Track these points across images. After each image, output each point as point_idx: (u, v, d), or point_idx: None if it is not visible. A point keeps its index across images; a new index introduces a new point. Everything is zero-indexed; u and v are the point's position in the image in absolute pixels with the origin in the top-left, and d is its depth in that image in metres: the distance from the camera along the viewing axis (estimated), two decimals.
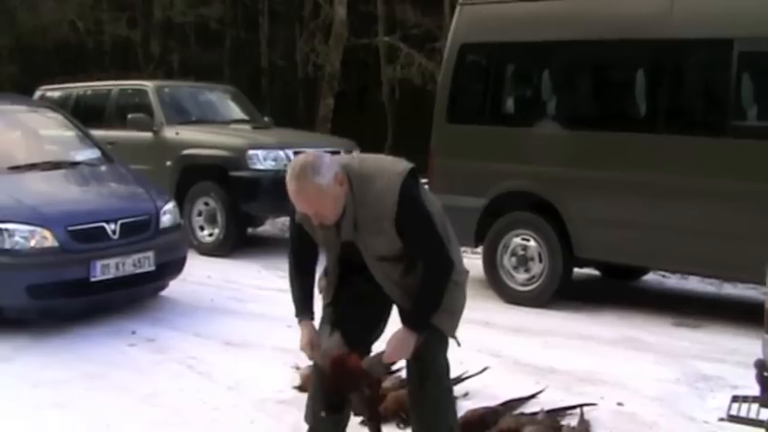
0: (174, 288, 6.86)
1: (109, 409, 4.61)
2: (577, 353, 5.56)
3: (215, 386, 4.98)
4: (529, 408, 4.58)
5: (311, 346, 3.50)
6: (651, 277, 7.82)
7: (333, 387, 3.44)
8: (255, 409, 4.56)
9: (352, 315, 3.50)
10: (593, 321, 6.35)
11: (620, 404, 4.66)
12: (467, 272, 3.55)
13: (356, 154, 3.55)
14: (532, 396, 4.71)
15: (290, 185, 3.22)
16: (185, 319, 6.34)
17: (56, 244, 5.77)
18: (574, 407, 4.51)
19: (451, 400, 3.61)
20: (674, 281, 7.78)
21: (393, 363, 3.60)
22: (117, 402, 4.72)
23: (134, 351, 5.61)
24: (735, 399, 4.33)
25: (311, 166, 3.19)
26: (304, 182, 3.18)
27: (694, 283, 7.69)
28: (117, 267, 5.98)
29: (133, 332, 5.95)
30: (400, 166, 3.33)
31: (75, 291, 5.87)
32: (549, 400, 4.65)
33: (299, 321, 3.56)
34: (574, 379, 5.06)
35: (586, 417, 4.39)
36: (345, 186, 3.24)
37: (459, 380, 4.60)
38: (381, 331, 3.59)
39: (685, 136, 6.21)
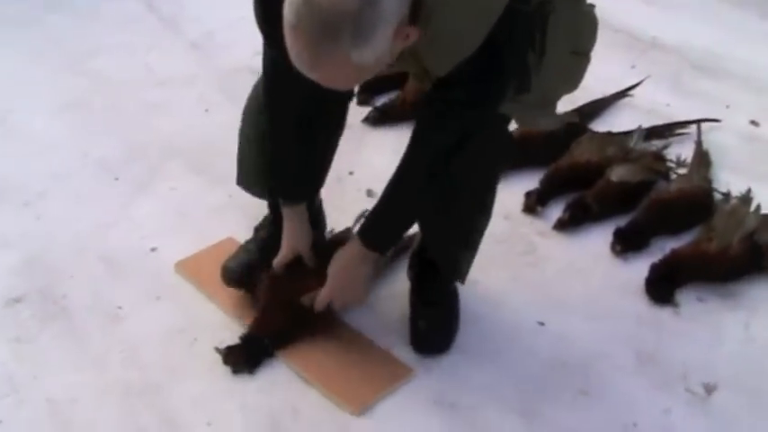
0: None
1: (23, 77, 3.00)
2: (691, 13, 3.63)
3: (175, 40, 3.29)
4: (618, 114, 2.86)
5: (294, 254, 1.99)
6: None
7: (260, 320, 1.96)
8: (218, 88, 2.93)
9: None
10: None
11: (754, 123, 2.89)
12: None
13: None
14: (625, 92, 2.94)
15: (298, 48, 1.38)
16: None
17: None
18: (686, 124, 2.75)
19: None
20: None
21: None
22: (36, 69, 3.10)
23: None
24: None
25: (353, 22, 1.33)
26: (330, 50, 1.36)
27: None
28: None
29: None
30: None
31: None
32: (649, 102, 2.92)
33: (287, 206, 1.94)
34: (687, 65, 3.24)
35: (704, 144, 2.64)
36: (414, 34, 1.43)
37: None
38: None
39: None
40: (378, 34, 1.35)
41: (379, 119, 2.76)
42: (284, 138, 1.83)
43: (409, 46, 1.47)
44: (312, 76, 1.41)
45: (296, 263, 1.97)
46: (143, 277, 2.16)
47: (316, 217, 2.05)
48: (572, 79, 1.79)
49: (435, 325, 1.98)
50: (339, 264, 1.83)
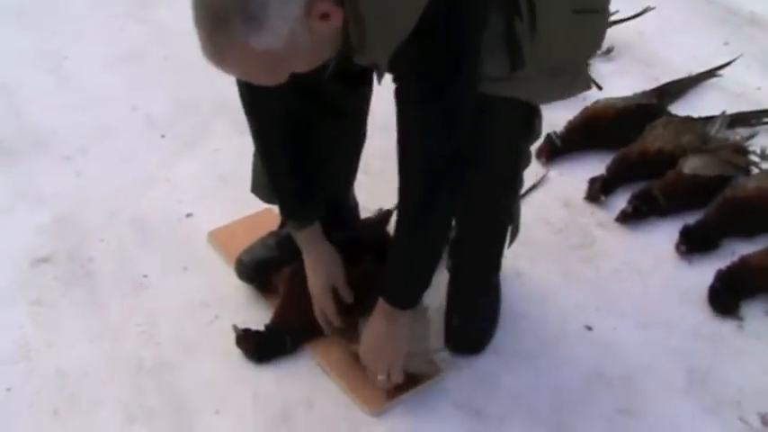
0: None
1: (85, 22, 2.90)
2: None
3: None
4: (703, 95, 2.61)
5: (328, 287, 1.72)
6: None
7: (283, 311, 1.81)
8: None
9: None
10: None
11: None
12: None
13: None
14: (713, 72, 2.68)
15: (202, 43, 1.24)
16: None
17: None
18: None
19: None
20: None
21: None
22: (98, 14, 3.00)
23: None
24: None
25: (238, 5, 1.17)
26: (226, 39, 1.21)
27: None
28: None
29: None
30: None
31: None
32: (739, 84, 2.66)
33: (296, 229, 1.73)
34: None
35: None
36: (337, 14, 1.23)
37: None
38: None
39: None
40: (272, 15, 1.17)
41: None
42: (272, 150, 1.66)
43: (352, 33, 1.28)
44: (225, 70, 1.27)
45: None
46: (173, 245, 2.06)
47: (347, 214, 1.89)
48: (587, 41, 1.53)
49: (471, 323, 1.82)
50: (370, 328, 1.63)
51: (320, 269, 1.71)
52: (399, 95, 1.41)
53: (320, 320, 1.73)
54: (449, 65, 1.31)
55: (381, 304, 1.59)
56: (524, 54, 1.38)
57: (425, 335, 1.71)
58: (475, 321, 1.82)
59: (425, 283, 1.57)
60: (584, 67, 1.57)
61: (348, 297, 1.72)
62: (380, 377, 1.65)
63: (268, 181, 1.73)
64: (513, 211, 1.73)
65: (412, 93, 1.37)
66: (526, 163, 1.69)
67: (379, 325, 1.61)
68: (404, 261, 1.55)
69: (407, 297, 1.58)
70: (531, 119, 1.57)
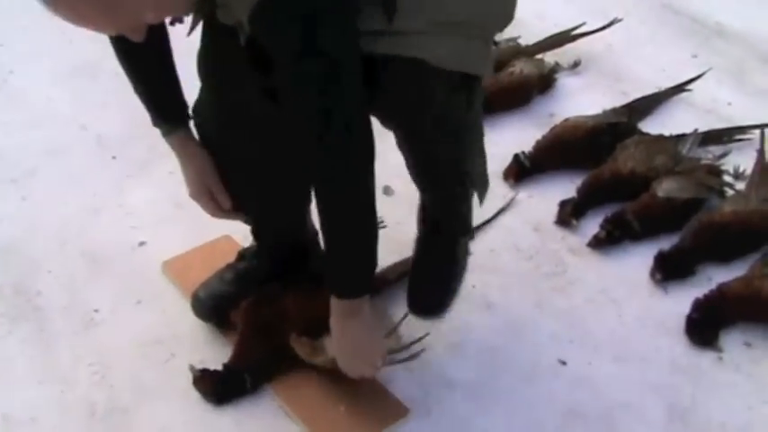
0: None
1: (32, 35, 2.77)
2: None
3: None
4: (673, 111, 2.56)
5: (204, 189, 1.62)
6: None
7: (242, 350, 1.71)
8: None
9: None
10: None
11: None
12: None
13: None
14: (683, 86, 2.63)
15: None
16: None
17: None
18: (748, 129, 2.44)
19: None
20: None
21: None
22: (47, 26, 2.86)
23: None
24: None
25: None
26: None
27: None
28: None
29: None
30: None
31: None
32: (709, 99, 2.63)
33: (167, 134, 1.61)
34: (754, 57, 2.90)
35: None
36: None
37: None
38: None
39: None
40: None
41: None
42: (132, 57, 1.56)
43: None
44: (60, 13, 1.15)
45: (276, 287, 1.74)
46: (126, 276, 1.96)
47: (307, 244, 1.81)
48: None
49: (432, 279, 1.72)
50: (333, 332, 1.53)
51: (193, 170, 1.61)
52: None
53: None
54: (308, 17, 1.19)
55: (336, 305, 1.48)
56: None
57: (384, 317, 1.69)
58: (436, 278, 1.73)
59: (368, 261, 1.45)
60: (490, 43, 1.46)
61: (226, 202, 1.62)
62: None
63: (134, 90, 1.61)
64: (473, 168, 1.60)
65: (277, 51, 1.24)
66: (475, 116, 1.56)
67: (343, 328, 1.51)
68: (336, 246, 1.42)
69: (356, 282, 1.46)
70: (469, 82, 1.44)
